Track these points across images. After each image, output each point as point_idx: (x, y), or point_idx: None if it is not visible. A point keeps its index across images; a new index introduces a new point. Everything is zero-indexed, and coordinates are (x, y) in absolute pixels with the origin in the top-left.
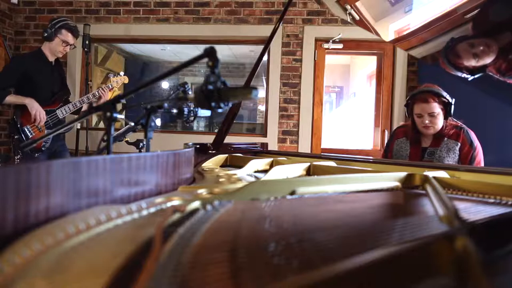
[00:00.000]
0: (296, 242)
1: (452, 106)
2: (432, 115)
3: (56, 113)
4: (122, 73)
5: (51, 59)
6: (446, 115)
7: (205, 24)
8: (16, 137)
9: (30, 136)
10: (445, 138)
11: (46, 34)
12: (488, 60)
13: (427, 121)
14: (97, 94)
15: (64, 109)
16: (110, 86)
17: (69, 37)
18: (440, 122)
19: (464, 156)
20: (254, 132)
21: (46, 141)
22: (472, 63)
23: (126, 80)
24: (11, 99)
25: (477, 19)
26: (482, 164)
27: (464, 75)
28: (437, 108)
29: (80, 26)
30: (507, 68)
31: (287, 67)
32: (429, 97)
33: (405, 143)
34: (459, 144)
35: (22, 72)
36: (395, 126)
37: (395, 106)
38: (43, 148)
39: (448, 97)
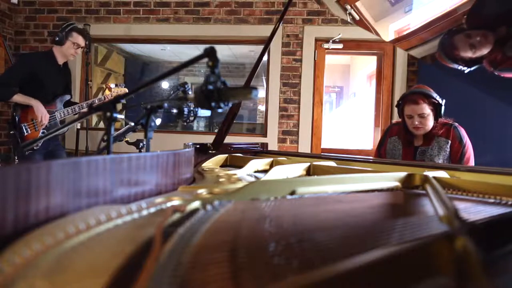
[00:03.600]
0: (296, 242)
1: (442, 107)
2: (422, 116)
3: (55, 115)
4: (123, 84)
5: (61, 62)
6: (436, 116)
7: (205, 24)
8: (11, 132)
9: (26, 133)
10: (436, 137)
11: (57, 39)
12: (484, 51)
13: (416, 122)
14: (96, 101)
15: (63, 111)
16: (111, 95)
17: (79, 39)
18: (430, 123)
19: (454, 153)
20: (254, 132)
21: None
22: (469, 54)
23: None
24: (18, 98)
25: (471, 14)
26: (472, 160)
27: (460, 67)
28: (426, 109)
29: (80, 26)
30: (502, 60)
31: (287, 67)
32: (419, 99)
33: (398, 143)
34: (450, 141)
35: (29, 70)
36: None
37: (395, 106)
38: (35, 148)
39: (438, 98)
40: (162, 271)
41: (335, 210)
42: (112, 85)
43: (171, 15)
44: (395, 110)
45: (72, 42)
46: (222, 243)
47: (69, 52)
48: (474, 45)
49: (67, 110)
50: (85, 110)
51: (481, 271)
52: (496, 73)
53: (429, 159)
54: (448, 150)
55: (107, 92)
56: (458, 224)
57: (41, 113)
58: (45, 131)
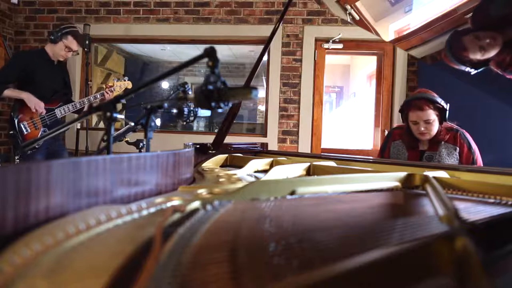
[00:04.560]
0: (296, 242)
1: (447, 112)
2: (427, 122)
3: (55, 112)
4: (126, 78)
5: (54, 59)
6: (441, 120)
7: (205, 24)
8: (11, 132)
9: (26, 132)
10: (442, 142)
11: (52, 37)
12: (493, 53)
13: (422, 128)
14: (98, 96)
15: (63, 108)
16: (113, 90)
17: (73, 44)
18: (435, 128)
19: (465, 160)
20: (254, 132)
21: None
22: (478, 56)
23: (130, 86)
24: (9, 93)
25: (477, 14)
26: (481, 165)
27: (467, 69)
28: (432, 115)
29: (80, 26)
30: (510, 62)
31: (287, 67)
32: (424, 105)
33: (402, 146)
34: (458, 148)
35: (23, 67)
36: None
37: (395, 106)
38: (37, 146)
39: (442, 103)
40: (162, 271)
41: (335, 210)
42: (115, 80)
43: (171, 15)
44: (395, 110)
45: (65, 44)
46: (222, 243)
47: (60, 53)
48: (483, 47)
49: (68, 107)
50: (86, 104)
51: (481, 271)
52: (506, 75)
53: None
54: (457, 156)
55: (110, 83)
56: (458, 224)
57: (33, 102)
58: (46, 129)
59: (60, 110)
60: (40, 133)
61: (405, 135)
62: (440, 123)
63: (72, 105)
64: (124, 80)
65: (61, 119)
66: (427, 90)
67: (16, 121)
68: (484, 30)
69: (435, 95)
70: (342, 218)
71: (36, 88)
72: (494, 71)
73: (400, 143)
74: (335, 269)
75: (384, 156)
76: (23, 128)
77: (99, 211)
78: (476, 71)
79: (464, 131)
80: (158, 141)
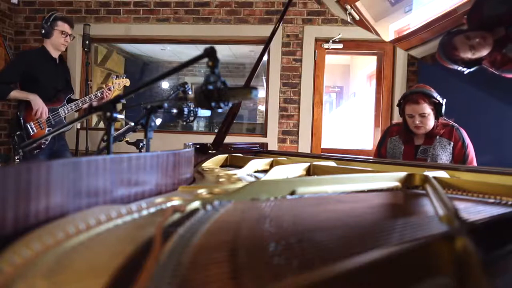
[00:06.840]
0: (296, 242)
1: (443, 107)
2: (422, 115)
3: (59, 112)
4: (124, 75)
5: (55, 55)
6: (437, 115)
7: (205, 24)
8: (18, 133)
9: (32, 133)
10: (438, 137)
11: (43, 31)
12: (484, 52)
13: (417, 122)
14: (99, 95)
15: (67, 108)
16: (112, 88)
17: (65, 27)
18: (431, 122)
19: (457, 155)
20: (254, 132)
21: (46, 139)
22: (468, 55)
23: (128, 83)
24: (15, 94)
25: (472, 14)
26: (475, 162)
27: (460, 68)
28: (427, 109)
29: (80, 26)
30: (502, 61)
31: (287, 67)
32: (420, 98)
33: (398, 142)
34: (452, 142)
35: (26, 67)
36: None
37: (395, 106)
38: (42, 146)
39: (438, 97)
40: (162, 271)
41: (335, 210)
42: (113, 77)
43: (171, 15)
44: (395, 110)
45: (59, 31)
46: (222, 243)
47: (59, 42)
48: (473, 47)
49: (70, 106)
50: (87, 103)
51: (481, 271)
52: (498, 74)
53: (431, 158)
54: (451, 151)
55: (110, 83)
56: (458, 224)
57: (38, 106)
58: (51, 129)
59: (64, 110)
60: (45, 133)
61: (401, 131)
62: (436, 118)
63: (75, 104)
64: (122, 78)
65: (65, 119)
66: (425, 85)
67: (22, 122)
68: (478, 30)
69: (432, 90)
70: (342, 218)
71: (39, 88)
72: (489, 70)
73: (397, 139)
74: (335, 269)
75: (381, 151)
76: (30, 129)
77: (99, 211)
78: (468, 70)
79: (460, 127)
80: (158, 141)
